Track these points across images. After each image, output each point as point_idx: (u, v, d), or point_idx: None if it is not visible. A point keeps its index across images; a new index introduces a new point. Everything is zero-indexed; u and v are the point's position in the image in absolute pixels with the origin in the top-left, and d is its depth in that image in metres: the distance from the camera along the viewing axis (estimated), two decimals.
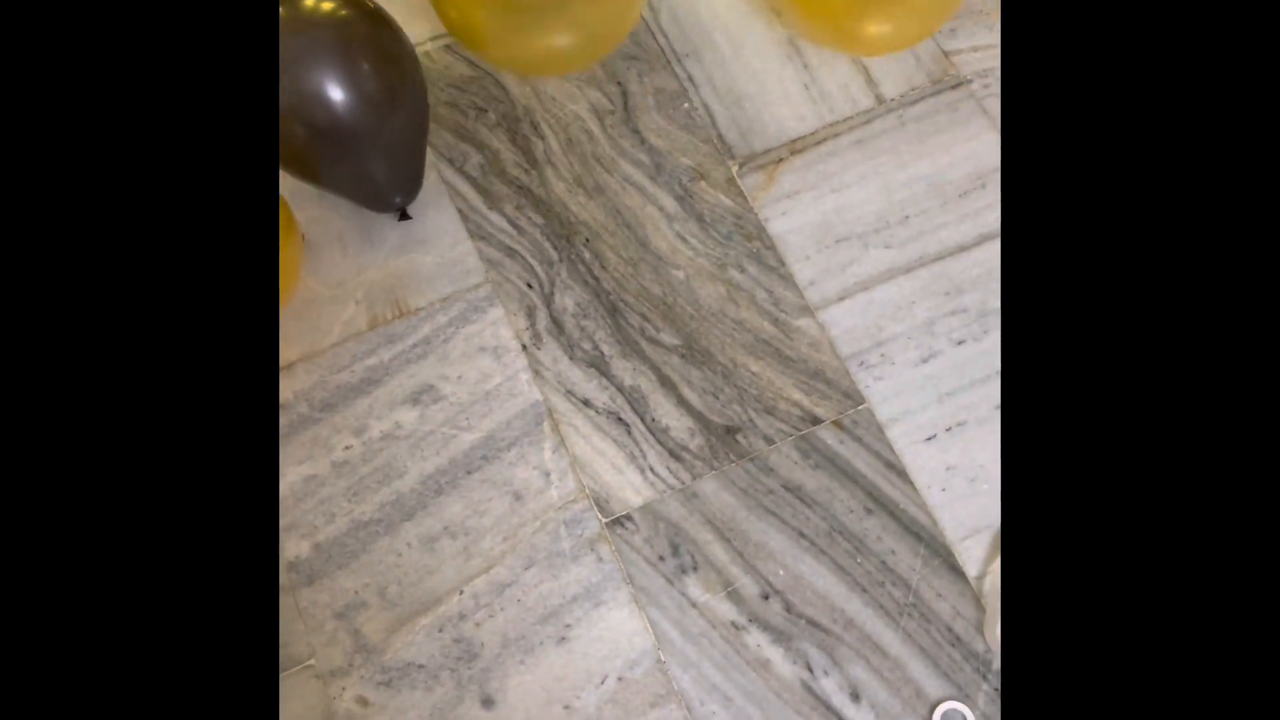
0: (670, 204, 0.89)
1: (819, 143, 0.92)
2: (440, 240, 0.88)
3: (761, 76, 0.94)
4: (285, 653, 0.75)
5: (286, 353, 0.83)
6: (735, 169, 0.91)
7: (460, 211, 0.89)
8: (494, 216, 0.89)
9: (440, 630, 0.75)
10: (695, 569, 0.77)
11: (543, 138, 0.92)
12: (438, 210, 0.89)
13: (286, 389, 0.82)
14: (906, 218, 0.89)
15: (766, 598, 0.76)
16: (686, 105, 0.93)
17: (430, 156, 0.91)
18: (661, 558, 0.78)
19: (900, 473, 0.80)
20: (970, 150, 0.91)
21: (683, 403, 0.82)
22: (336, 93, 0.73)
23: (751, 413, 0.82)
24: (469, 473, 0.80)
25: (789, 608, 0.76)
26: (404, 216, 0.87)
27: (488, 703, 0.74)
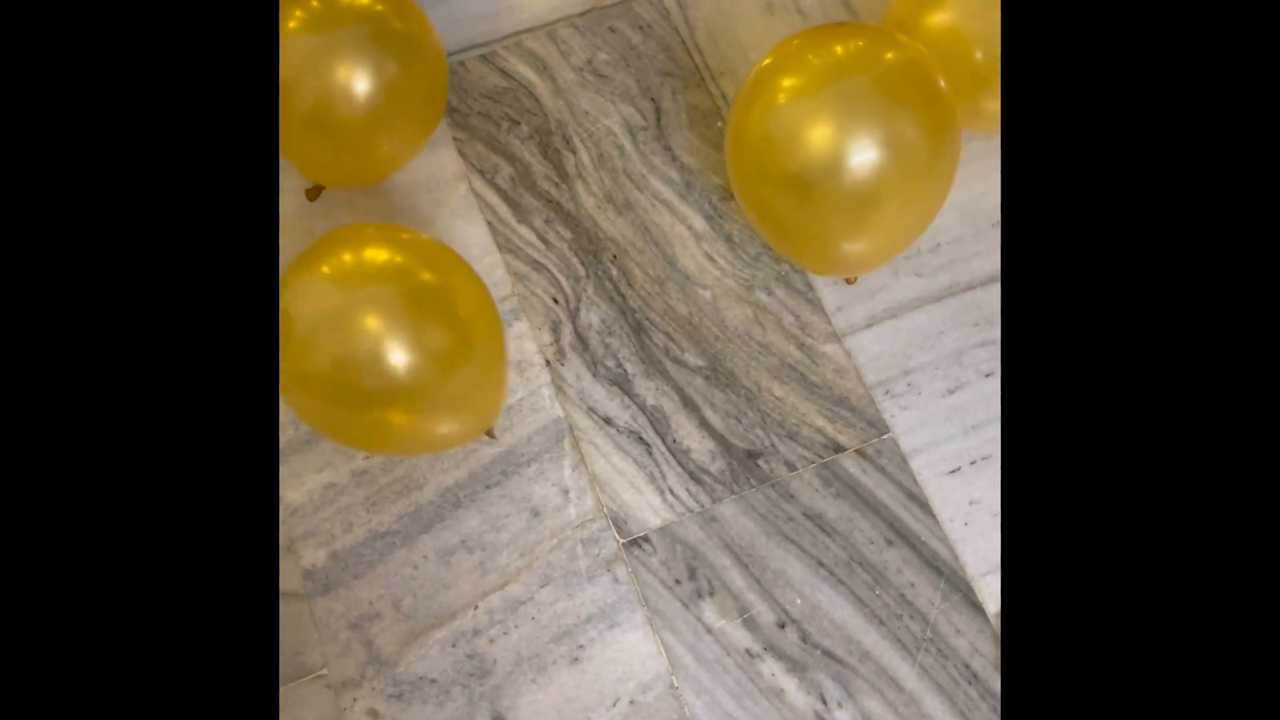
0: (699, 223, 0.88)
1: None
2: (468, 252, 0.88)
3: None
4: (298, 661, 0.75)
5: None
6: None
7: (490, 224, 0.89)
8: (523, 230, 0.89)
9: (454, 645, 0.75)
10: (712, 594, 0.77)
11: (574, 152, 0.91)
12: (467, 221, 0.89)
13: None
14: (938, 245, 0.88)
15: (783, 626, 0.76)
16: (720, 124, 0.92)
17: (461, 167, 0.91)
18: (678, 581, 0.77)
19: (923, 505, 0.79)
20: None
21: (705, 425, 0.82)
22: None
23: (774, 438, 0.81)
24: (488, 487, 0.80)
25: (805, 637, 0.75)
26: None
27: None
